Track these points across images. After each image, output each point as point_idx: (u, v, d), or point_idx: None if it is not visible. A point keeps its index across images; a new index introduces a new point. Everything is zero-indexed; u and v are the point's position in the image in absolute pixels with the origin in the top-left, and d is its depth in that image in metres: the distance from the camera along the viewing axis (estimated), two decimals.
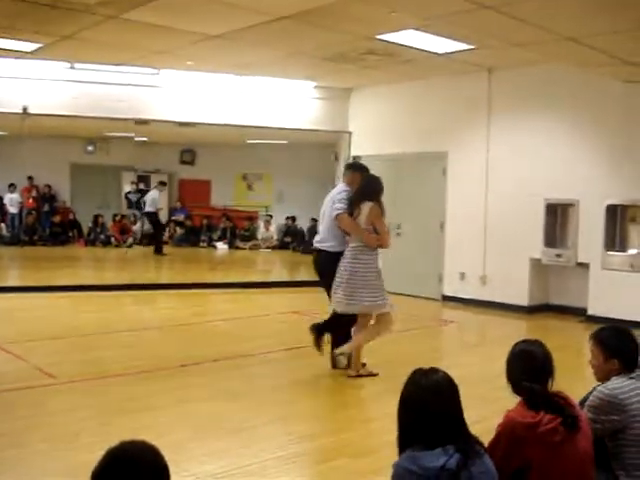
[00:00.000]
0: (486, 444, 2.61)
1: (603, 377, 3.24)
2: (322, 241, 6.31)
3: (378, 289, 5.90)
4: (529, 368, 2.89)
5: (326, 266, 6.15)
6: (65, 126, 14.76)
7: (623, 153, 8.84)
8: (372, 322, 6.11)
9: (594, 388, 3.24)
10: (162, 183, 17.36)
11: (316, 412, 5.43)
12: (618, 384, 3.08)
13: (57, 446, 4.35)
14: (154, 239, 16.76)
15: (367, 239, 5.90)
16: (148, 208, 16.40)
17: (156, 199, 16.35)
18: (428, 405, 2.38)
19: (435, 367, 2.51)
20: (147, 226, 17.72)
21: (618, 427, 3.02)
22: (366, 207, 5.93)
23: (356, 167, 6.56)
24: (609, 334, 3.28)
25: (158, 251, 16.17)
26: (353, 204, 6.01)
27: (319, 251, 6.33)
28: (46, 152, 18.36)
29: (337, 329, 6.17)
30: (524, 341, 3.04)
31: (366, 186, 6.08)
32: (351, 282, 5.85)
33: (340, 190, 6.26)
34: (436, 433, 2.33)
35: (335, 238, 6.18)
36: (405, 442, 2.41)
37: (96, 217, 18.46)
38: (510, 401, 2.90)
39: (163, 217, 17.61)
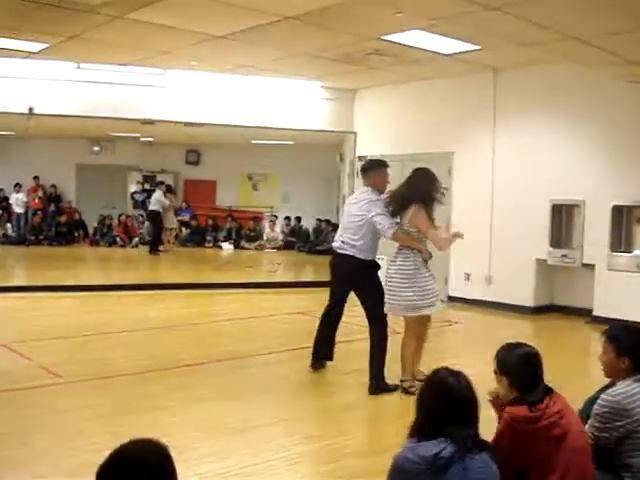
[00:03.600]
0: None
1: (612, 374, 3.24)
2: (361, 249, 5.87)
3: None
4: (535, 371, 2.92)
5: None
6: (71, 126, 14.80)
7: (629, 153, 8.81)
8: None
9: (601, 388, 3.24)
10: (161, 183, 17.49)
11: (320, 413, 5.43)
12: (622, 389, 3.07)
13: (62, 445, 4.36)
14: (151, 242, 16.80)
15: (420, 250, 5.69)
16: (152, 207, 16.56)
17: (159, 199, 16.45)
18: (448, 405, 2.47)
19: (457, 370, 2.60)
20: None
21: (624, 433, 3.01)
22: (410, 210, 5.64)
23: (369, 168, 6.11)
24: (622, 332, 3.26)
25: (153, 250, 16.28)
26: (398, 208, 5.73)
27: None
28: (52, 152, 18.44)
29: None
30: (516, 345, 3.04)
31: (412, 187, 5.73)
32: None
33: (367, 196, 5.89)
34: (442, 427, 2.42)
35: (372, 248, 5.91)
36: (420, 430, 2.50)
37: (104, 218, 18.51)
38: None
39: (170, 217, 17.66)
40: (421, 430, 2.46)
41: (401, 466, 2.38)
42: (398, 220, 5.79)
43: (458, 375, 2.56)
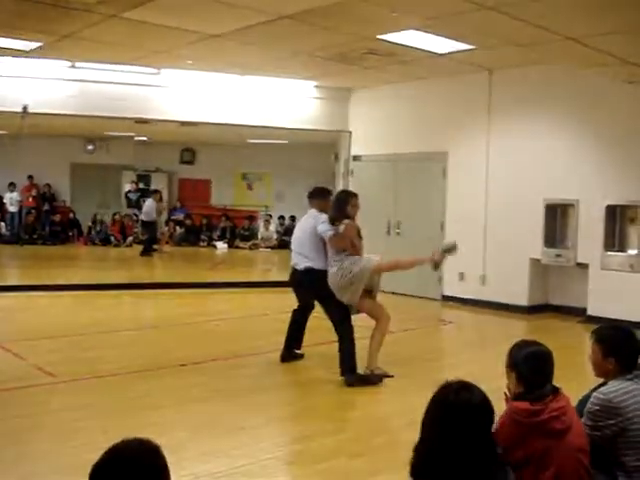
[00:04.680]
0: None
1: (601, 374, 3.28)
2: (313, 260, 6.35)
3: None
4: (541, 369, 2.94)
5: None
6: (65, 125, 14.75)
7: (623, 153, 8.84)
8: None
9: (594, 388, 3.25)
10: (155, 192, 17.16)
11: (314, 412, 5.43)
12: (614, 388, 3.09)
13: (57, 445, 4.35)
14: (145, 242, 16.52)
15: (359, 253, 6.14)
16: (144, 217, 16.39)
17: (149, 212, 16.17)
18: (455, 426, 2.27)
19: (467, 383, 2.38)
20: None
21: (617, 432, 3.02)
22: (342, 226, 6.06)
23: (314, 195, 6.64)
24: (609, 333, 3.29)
25: (144, 252, 15.99)
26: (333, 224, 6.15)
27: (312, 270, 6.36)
28: (46, 151, 18.36)
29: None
30: (528, 343, 3.06)
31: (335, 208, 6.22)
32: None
33: (313, 216, 6.41)
34: (467, 461, 2.24)
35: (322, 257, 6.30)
36: (427, 462, 2.30)
37: (96, 215, 18.48)
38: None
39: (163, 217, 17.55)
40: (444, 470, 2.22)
41: None
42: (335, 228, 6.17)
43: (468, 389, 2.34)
